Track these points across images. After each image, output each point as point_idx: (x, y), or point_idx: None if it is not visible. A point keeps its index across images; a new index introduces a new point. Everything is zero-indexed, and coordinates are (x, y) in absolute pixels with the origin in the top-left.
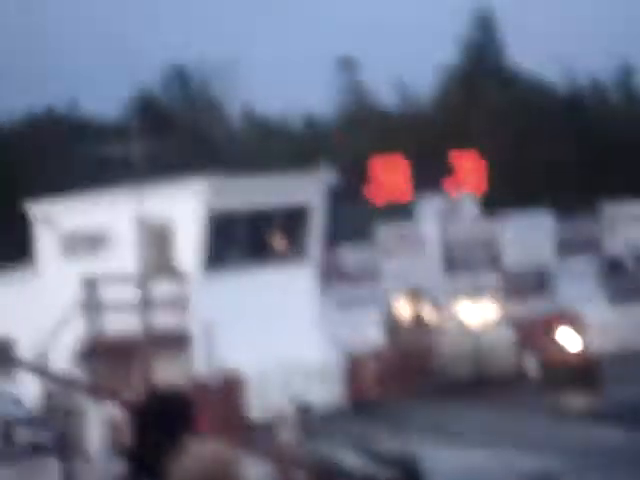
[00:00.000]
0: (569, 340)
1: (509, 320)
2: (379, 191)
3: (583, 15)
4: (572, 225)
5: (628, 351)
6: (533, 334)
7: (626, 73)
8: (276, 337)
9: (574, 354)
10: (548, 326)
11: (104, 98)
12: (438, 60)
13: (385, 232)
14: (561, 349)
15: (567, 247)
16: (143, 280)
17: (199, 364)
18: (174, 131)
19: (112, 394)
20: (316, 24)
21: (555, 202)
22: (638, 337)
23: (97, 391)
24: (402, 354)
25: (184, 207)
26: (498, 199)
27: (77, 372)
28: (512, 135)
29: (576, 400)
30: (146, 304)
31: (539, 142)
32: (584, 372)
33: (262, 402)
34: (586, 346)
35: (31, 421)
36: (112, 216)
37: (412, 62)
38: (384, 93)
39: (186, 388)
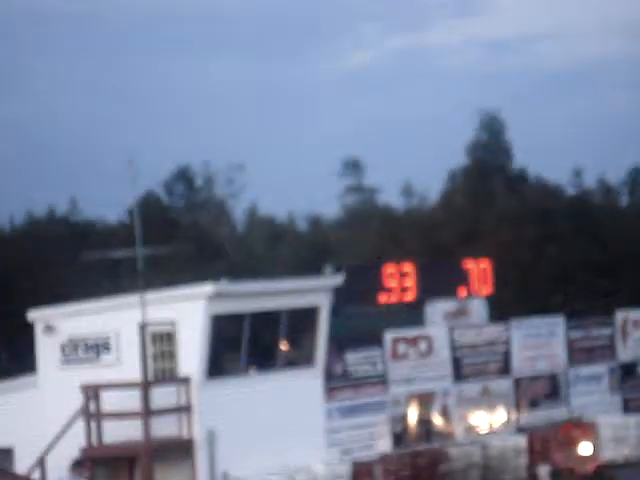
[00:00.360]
0: (586, 451)
1: (520, 428)
2: (388, 295)
3: (590, 117)
4: (584, 330)
5: (639, 459)
6: (546, 442)
7: (634, 175)
8: (281, 445)
9: (590, 465)
10: (562, 435)
11: (106, 200)
12: (445, 162)
13: (393, 336)
14: (578, 460)
15: (579, 353)
16: (145, 387)
17: (202, 473)
18: (178, 233)
19: None
20: (322, 126)
21: (565, 306)
22: None
23: None
24: (410, 461)
25: (188, 313)
26: (508, 303)
27: None
28: (521, 238)
29: None
30: (148, 411)
31: (548, 245)
32: None
33: None
34: (602, 457)
35: None
36: (115, 323)
37: (419, 164)
38: (390, 194)
39: None
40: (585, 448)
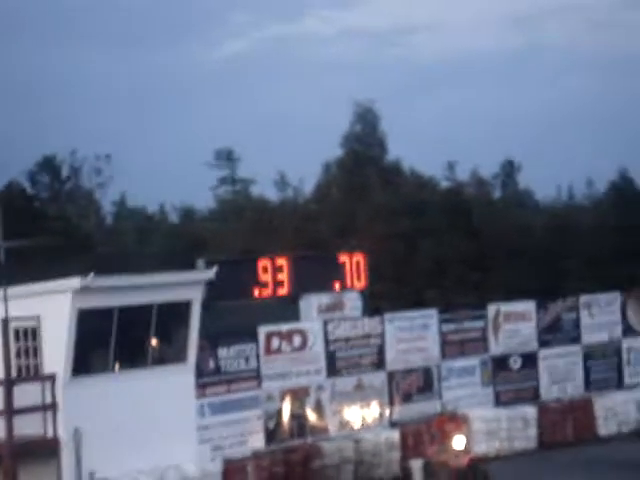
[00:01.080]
0: (460, 445)
1: (394, 422)
2: (262, 288)
3: (467, 109)
4: (457, 323)
5: (511, 452)
6: (419, 437)
7: (507, 168)
8: (151, 444)
9: (462, 458)
10: (436, 429)
11: None
12: (320, 153)
13: (267, 330)
14: (452, 454)
15: (452, 346)
16: (8, 384)
17: (68, 474)
18: (44, 224)
19: None
20: (195, 117)
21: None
22: (520, 438)
23: None
24: (282, 458)
25: (53, 308)
26: (382, 297)
27: None
28: (395, 231)
29: None
30: (11, 410)
31: (422, 239)
32: (471, 476)
33: None
34: (474, 450)
35: None
36: None
37: (293, 155)
38: (264, 186)
39: None
40: (458, 442)
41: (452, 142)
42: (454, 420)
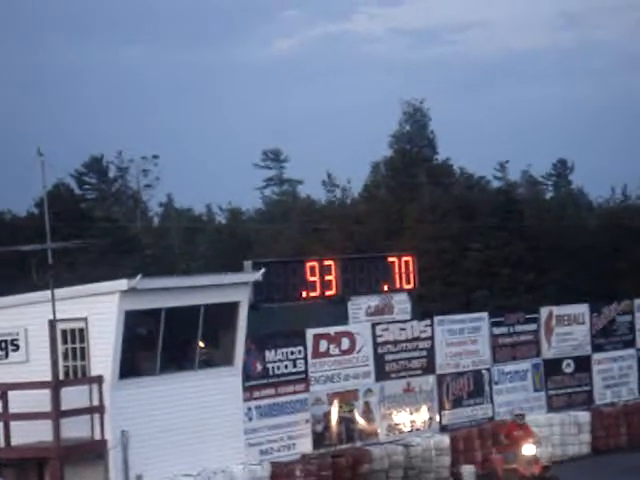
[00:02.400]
0: (530, 452)
1: (443, 426)
2: (309, 290)
3: (516, 108)
4: (508, 327)
5: (563, 457)
6: (469, 441)
7: (560, 168)
8: (198, 447)
9: (534, 466)
10: (503, 435)
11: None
12: (369, 153)
13: (314, 332)
14: (522, 461)
15: (503, 349)
16: (56, 387)
17: (115, 477)
18: (91, 226)
19: None
20: (242, 116)
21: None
22: (573, 444)
23: None
24: (330, 462)
25: (100, 309)
26: (432, 298)
27: None
28: (445, 232)
29: None
30: (58, 412)
31: (473, 239)
32: None
33: None
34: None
35: None
36: (24, 320)
37: (341, 155)
38: (312, 186)
39: None
40: (529, 449)
41: (503, 141)
42: (523, 426)
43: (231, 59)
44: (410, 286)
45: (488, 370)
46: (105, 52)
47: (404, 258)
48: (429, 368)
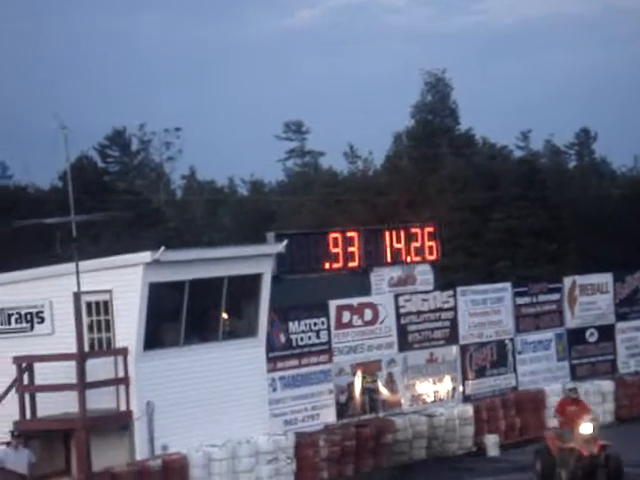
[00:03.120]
0: (587, 430)
1: (467, 396)
2: (332, 262)
3: (541, 76)
4: (531, 297)
5: None
6: (492, 411)
7: (583, 137)
8: (222, 418)
9: (593, 445)
10: (557, 412)
11: (38, 165)
12: (390, 124)
13: (337, 304)
14: (579, 439)
15: (527, 319)
16: (81, 359)
17: (141, 447)
18: (114, 198)
19: None
20: (263, 87)
21: (512, 272)
22: (598, 413)
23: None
24: (354, 433)
25: (124, 282)
26: (454, 269)
27: (10, 458)
28: (468, 202)
29: None
30: (84, 384)
31: (495, 209)
32: (604, 464)
33: None
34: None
35: None
36: (49, 292)
37: (363, 126)
38: (334, 158)
39: (125, 473)
40: (587, 427)
41: (526, 111)
42: (577, 401)
43: (253, 30)
44: (433, 257)
45: (511, 340)
46: (125, 22)
47: (426, 229)
48: (452, 338)
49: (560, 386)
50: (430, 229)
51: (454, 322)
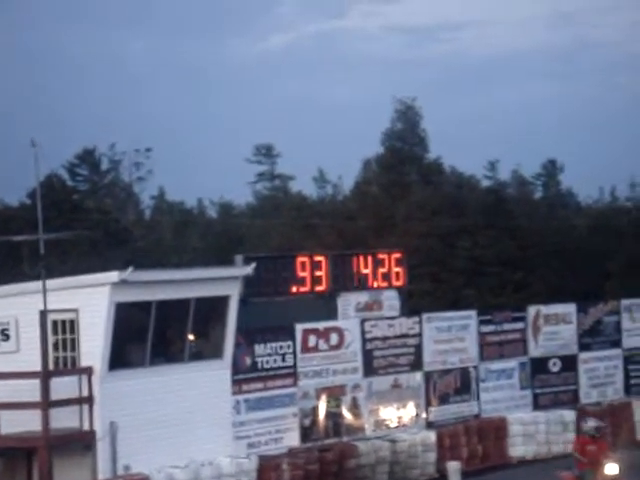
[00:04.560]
0: (613, 470)
1: (430, 422)
2: (299, 285)
3: (510, 107)
4: (496, 325)
5: (548, 456)
6: (455, 438)
7: (550, 168)
8: (186, 439)
9: None
10: (576, 450)
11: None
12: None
13: (303, 327)
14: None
15: (491, 347)
16: (45, 377)
17: (103, 467)
18: (83, 217)
19: None
20: (235, 110)
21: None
22: (559, 442)
23: None
24: (318, 457)
25: (91, 301)
26: (421, 296)
27: None
28: (435, 230)
29: None
30: (48, 402)
31: (462, 237)
32: None
33: None
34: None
35: None
36: (14, 309)
37: (333, 151)
38: (303, 182)
39: None
40: (612, 468)
41: (494, 141)
42: (597, 441)
43: (226, 52)
44: (399, 283)
45: (475, 368)
46: (99, 42)
47: (394, 255)
48: (417, 365)
49: (523, 415)
50: (397, 255)
51: (419, 348)
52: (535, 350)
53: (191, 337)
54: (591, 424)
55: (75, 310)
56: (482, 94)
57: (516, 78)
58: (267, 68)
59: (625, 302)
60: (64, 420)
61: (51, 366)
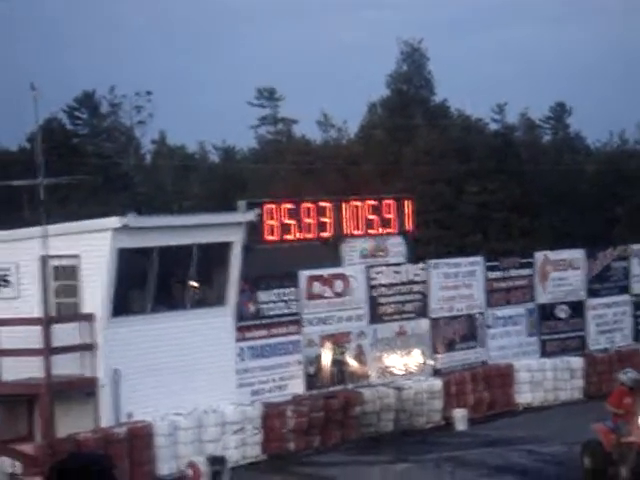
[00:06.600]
0: None
1: (436, 370)
2: (304, 231)
3: (518, 48)
4: (503, 271)
5: (556, 402)
6: (461, 385)
7: (558, 111)
8: (189, 386)
9: None
10: (611, 403)
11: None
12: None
13: (308, 274)
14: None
15: (498, 294)
16: (47, 323)
17: (105, 414)
18: (83, 162)
19: (13, 450)
20: (236, 53)
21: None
22: (566, 389)
23: None
24: (322, 404)
25: (92, 247)
26: (427, 242)
27: None
28: (441, 174)
29: None
30: (49, 349)
31: (470, 182)
32: None
33: (172, 454)
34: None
35: None
36: (15, 255)
37: (337, 94)
38: (307, 126)
39: (90, 439)
40: None
41: (502, 83)
42: (635, 393)
43: None
44: (406, 229)
45: (482, 314)
46: None
47: (400, 200)
48: (423, 311)
49: (530, 361)
50: (404, 201)
51: (425, 295)
52: (542, 296)
53: (194, 284)
54: (630, 375)
55: (76, 256)
56: (490, 36)
57: (525, 20)
58: (269, 10)
59: (634, 247)
60: (66, 367)
61: (52, 313)
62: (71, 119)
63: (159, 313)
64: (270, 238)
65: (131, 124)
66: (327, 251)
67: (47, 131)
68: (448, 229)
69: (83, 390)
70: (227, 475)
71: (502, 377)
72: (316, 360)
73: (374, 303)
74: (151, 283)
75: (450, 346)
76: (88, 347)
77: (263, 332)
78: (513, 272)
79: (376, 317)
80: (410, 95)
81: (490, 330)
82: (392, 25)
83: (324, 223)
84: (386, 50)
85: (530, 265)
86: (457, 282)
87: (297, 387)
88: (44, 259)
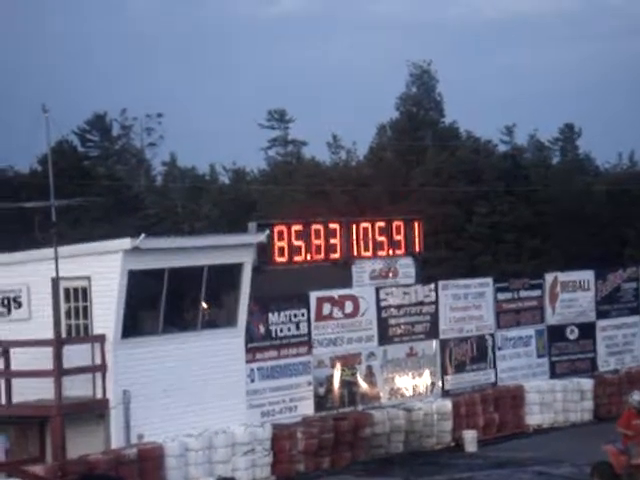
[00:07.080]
0: None
1: (446, 391)
2: (313, 252)
3: (527, 71)
4: (512, 292)
5: (565, 424)
6: (471, 406)
7: (567, 133)
8: (200, 407)
9: None
10: (621, 426)
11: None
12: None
13: (318, 295)
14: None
15: (507, 315)
16: (58, 345)
17: (116, 435)
18: (94, 184)
19: (25, 471)
20: (247, 75)
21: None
22: (576, 410)
23: (8, 467)
24: (332, 425)
25: (103, 268)
26: (436, 263)
27: None
28: (451, 196)
29: None
30: (60, 370)
31: (479, 204)
32: None
33: (183, 475)
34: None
35: None
36: (27, 277)
37: (347, 116)
38: (317, 147)
39: (101, 461)
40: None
41: (511, 105)
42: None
43: (238, 16)
44: (415, 250)
45: (492, 335)
46: (109, 6)
47: (410, 222)
48: (432, 333)
49: (540, 383)
50: (414, 222)
51: (435, 316)
52: (552, 318)
53: (204, 305)
54: (637, 397)
55: (87, 277)
56: (499, 57)
57: (533, 41)
58: (280, 31)
59: None
60: (77, 389)
61: (63, 334)
62: (82, 141)
63: (169, 334)
64: (279, 260)
65: (142, 146)
66: (337, 272)
67: (58, 153)
68: (458, 250)
69: (94, 411)
70: None
71: (512, 398)
72: (326, 381)
73: (384, 324)
74: (162, 304)
75: (460, 367)
76: (99, 368)
77: (273, 353)
78: (523, 293)
79: (386, 338)
80: (419, 117)
81: (500, 351)
82: (401, 47)
83: (333, 245)
84: (395, 72)
85: (540, 286)
86: (467, 303)
87: (307, 408)
88: (56, 281)
